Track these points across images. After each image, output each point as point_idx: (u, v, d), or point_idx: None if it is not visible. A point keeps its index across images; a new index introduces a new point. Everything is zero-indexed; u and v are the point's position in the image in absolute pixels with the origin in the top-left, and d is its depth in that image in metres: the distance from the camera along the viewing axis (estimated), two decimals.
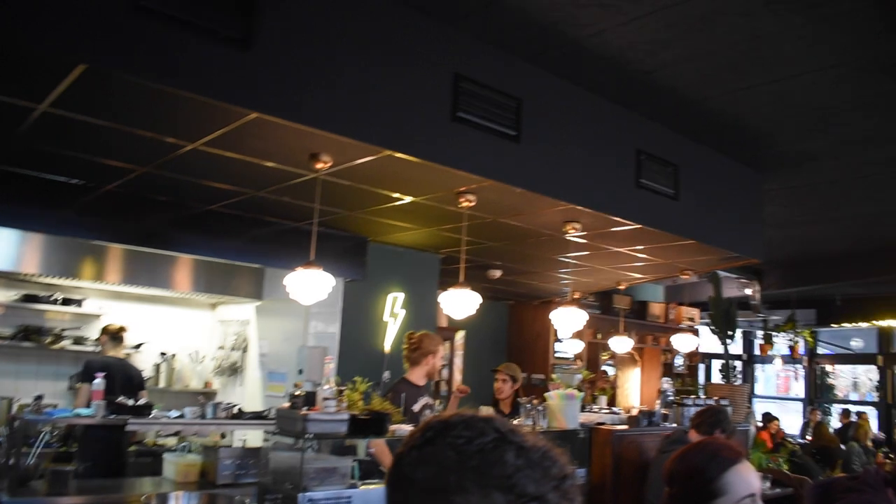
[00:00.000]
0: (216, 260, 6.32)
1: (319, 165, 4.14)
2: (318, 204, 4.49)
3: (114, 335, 6.24)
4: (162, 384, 7.56)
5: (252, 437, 6.00)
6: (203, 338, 7.96)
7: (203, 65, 3.27)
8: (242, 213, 5.60)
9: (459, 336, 9.46)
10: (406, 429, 4.15)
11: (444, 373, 9.20)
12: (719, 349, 8.46)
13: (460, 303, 4.87)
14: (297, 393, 3.91)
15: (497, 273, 7.77)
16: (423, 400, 5.00)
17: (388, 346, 6.63)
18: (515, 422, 5.06)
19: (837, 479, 2.81)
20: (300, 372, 4.53)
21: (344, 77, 3.74)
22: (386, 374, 6.26)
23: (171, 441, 6.47)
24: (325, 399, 3.79)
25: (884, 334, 14.52)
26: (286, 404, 3.97)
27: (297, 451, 3.72)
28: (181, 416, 5.37)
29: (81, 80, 3.18)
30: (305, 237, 4.54)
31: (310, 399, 3.79)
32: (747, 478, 1.94)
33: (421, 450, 1.06)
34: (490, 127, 4.30)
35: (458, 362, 9.66)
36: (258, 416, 5.74)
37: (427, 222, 5.85)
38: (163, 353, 7.66)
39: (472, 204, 4.84)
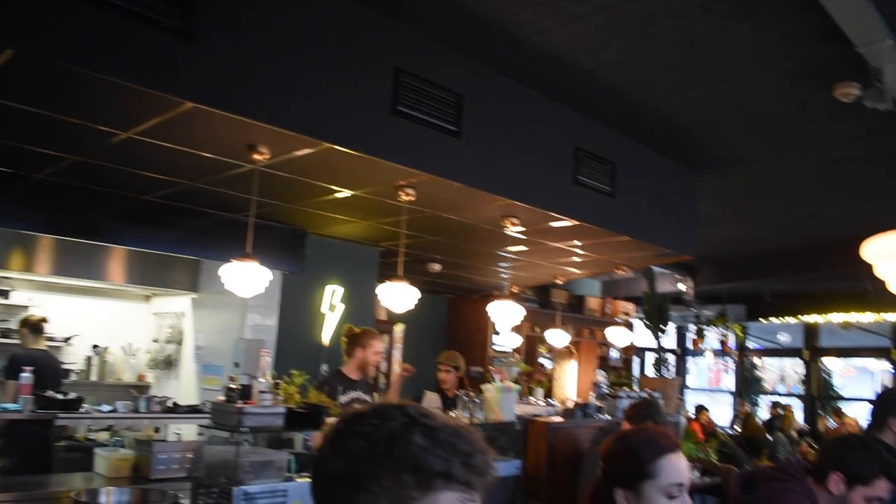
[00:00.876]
0: (151, 251, 6.18)
1: (257, 157, 4.09)
2: (256, 195, 4.45)
3: (34, 327, 6.05)
4: (94, 377, 7.39)
5: (187, 430, 5.91)
6: (137, 330, 7.80)
7: (140, 53, 3.20)
8: (178, 204, 5.50)
9: (399, 329, 9.47)
10: None
11: (383, 366, 9.19)
12: (654, 343, 8.66)
13: (398, 296, 4.88)
14: (232, 386, 3.86)
15: (437, 267, 7.80)
16: (353, 393, 5.00)
17: (326, 338, 6.60)
18: (452, 414, 5.12)
19: (761, 469, 2.92)
20: (236, 365, 4.48)
21: (283, 68, 3.71)
22: (324, 368, 6.24)
23: (103, 436, 6.32)
24: (261, 392, 3.75)
25: (809, 329, 15.02)
26: (221, 398, 3.92)
27: (233, 445, 3.68)
28: (113, 410, 5.25)
29: (9, 65, 3.09)
30: (242, 229, 4.49)
31: (246, 392, 3.75)
32: (679, 467, 2.00)
33: (334, 442, 1.09)
34: (431, 122, 4.31)
35: (397, 355, 9.67)
36: (193, 409, 5.67)
37: (366, 215, 5.84)
38: (95, 346, 7.48)
39: (412, 198, 4.85)
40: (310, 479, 1.12)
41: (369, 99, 4.08)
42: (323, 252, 6.67)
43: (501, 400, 5.20)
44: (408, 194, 4.80)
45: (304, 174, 4.63)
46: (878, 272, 2.18)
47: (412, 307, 5.01)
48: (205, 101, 3.42)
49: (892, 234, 2.13)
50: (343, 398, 4.87)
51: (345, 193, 5.07)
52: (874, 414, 3.82)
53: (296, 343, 6.39)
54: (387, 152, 4.17)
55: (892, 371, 14.01)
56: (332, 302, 6.72)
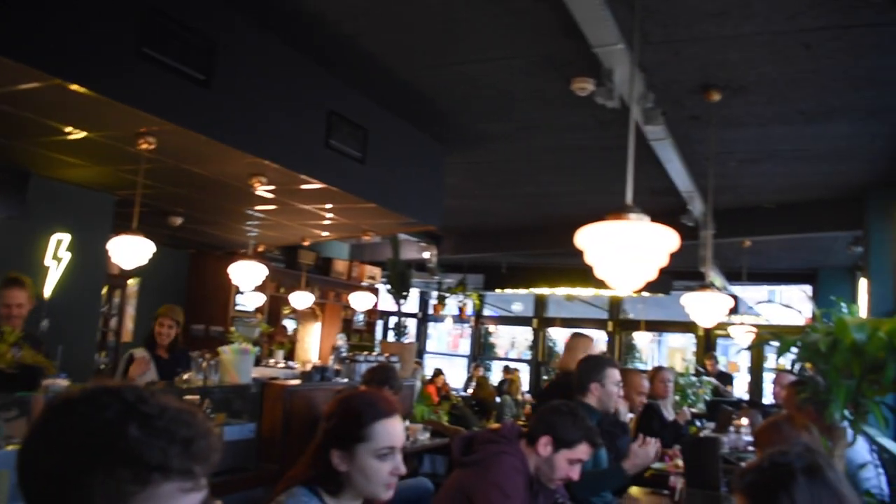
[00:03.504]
0: None
1: None
2: None
3: None
4: None
5: None
6: None
7: None
8: None
9: (132, 283, 8.94)
10: (61, 383, 3.85)
11: (113, 322, 8.64)
12: (396, 307, 8.90)
13: (130, 251, 4.58)
14: None
15: (178, 220, 7.43)
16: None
17: (48, 292, 6.06)
18: (186, 376, 4.92)
19: (479, 433, 3.11)
20: None
21: None
22: (44, 324, 5.74)
23: None
24: None
25: (539, 300, 16.26)
26: None
27: None
28: None
29: None
30: None
31: None
32: (392, 431, 2.08)
33: (42, 434, 1.01)
34: (178, 68, 4.03)
35: (131, 311, 9.14)
36: None
37: (101, 160, 5.41)
38: None
39: (153, 146, 4.56)
40: (17, 473, 1.01)
41: (111, 37, 3.73)
42: (49, 196, 6.09)
43: (238, 362, 5.08)
44: (148, 142, 4.50)
45: (30, 110, 4.18)
46: (587, 258, 2.39)
47: (145, 263, 4.73)
48: None
49: (600, 224, 2.33)
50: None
51: (78, 135, 4.64)
52: (578, 380, 4.20)
53: None
54: (126, 96, 3.85)
55: (607, 340, 15.55)
56: (57, 252, 6.16)
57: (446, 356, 18.74)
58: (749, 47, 4.25)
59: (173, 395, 1.09)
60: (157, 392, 1.07)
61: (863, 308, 6.71)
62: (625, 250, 2.30)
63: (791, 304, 14.77)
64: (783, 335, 3.41)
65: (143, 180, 5.20)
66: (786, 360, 3.69)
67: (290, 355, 9.89)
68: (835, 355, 2.99)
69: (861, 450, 3.72)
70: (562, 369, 5.03)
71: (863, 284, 7.16)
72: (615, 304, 15.61)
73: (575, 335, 5.16)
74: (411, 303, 17.02)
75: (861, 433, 3.62)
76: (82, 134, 4.64)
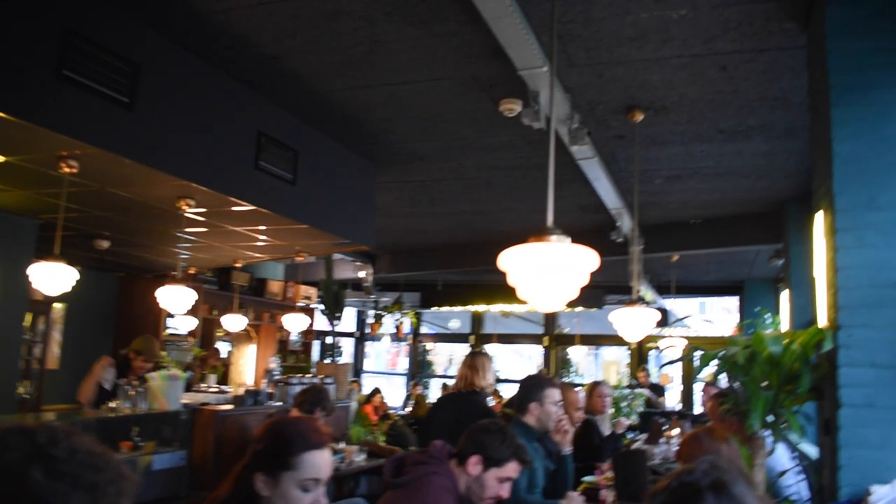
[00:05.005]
0: None
1: None
2: None
3: None
4: None
5: None
6: None
7: None
8: None
9: (58, 309, 8.69)
10: None
11: (37, 350, 8.36)
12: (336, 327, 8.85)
13: (53, 277, 4.46)
14: None
15: (104, 243, 7.27)
16: None
17: None
18: (113, 404, 4.80)
19: (409, 454, 3.11)
20: None
21: None
22: None
23: None
24: None
25: (476, 317, 16.33)
26: None
27: None
28: None
29: None
30: None
31: None
32: (319, 464, 2.07)
33: None
34: (101, 91, 3.97)
35: (57, 336, 8.88)
36: None
37: (22, 184, 5.28)
38: None
39: (75, 170, 4.46)
40: None
41: (28, 59, 3.66)
42: None
43: (167, 388, 4.99)
44: (70, 166, 4.41)
45: None
46: (510, 280, 2.43)
47: (69, 289, 4.61)
48: None
49: (521, 246, 2.37)
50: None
51: None
52: (519, 399, 4.23)
53: None
54: (46, 119, 3.78)
55: (544, 354, 15.69)
56: None
57: (385, 375, 18.64)
58: (669, 69, 4.39)
59: (92, 438, 1.07)
60: (76, 433, 1.05)
61: (785, 319, 6.94)
62: (546, 271, 2.35)
63: (720, 316, 15.17)
64: (705, 348, 3.51)
65: (67, 204, 5.08)
66: (709, 372, 3.80)
67: (223, 379, 9.73)
68: (753, 367, 3.10)
69: (781, 457, 3.84)
70: (461, 388, 4.97)
71: (785, 296, 7.40)
72: (550, 319, 15.77)
73: (474, 353, 5.13)
74: (348, 322, 16.92)
75: (782, 441, 3.75)
76: (1, 158, 4.51)
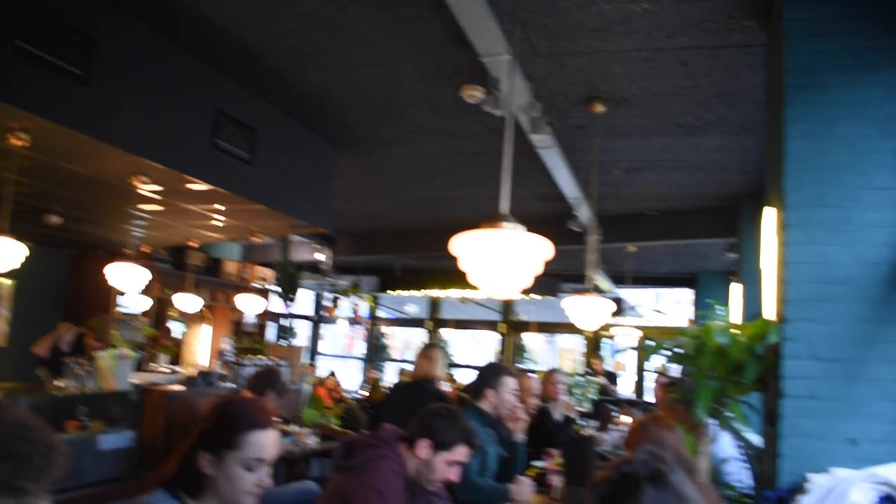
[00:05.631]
0: None
1: None
2: None
3: None
4: None
5: None
6: None
7: None
8: None
9: (6, 285, 8.51)
10: None
11: None
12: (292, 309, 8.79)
13: (0, 253, 4.36)
14: None
15: (56, 219, 7.13)
16: None
17: None
18: (60, 382, 4.74)
19: (359, 437, 3.12)
20: None
21: None
22: None
23: None
24: None
25: (433, 302, 16.37)
26: None
27: None
28: None
29: None
30: None
31: None
32: (264, 444, 2.08)
33: None
34: (54, 62, 3.87)
35: (5, 313, 8.70)
36: None
37: None
38: None
39: (26, 143, 4.36)
40: None
41: None
42: None
43: (115, 367, 4.92)
44: (20, 139, 4.30)
45: None
46: (462, 265, 2.44)
47: (17, 265, 4.51)
48: None
49: (473, 232, 2.39)
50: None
51: None
52: (476, 385, 4.31)
53: None
54: None
55: (500, 341, 15.80)
56: None
57: (341, 358, 18.58)
58: (630, 62, 4.42)
59: (23, 409, 1.06)
60: (6, 406, 1.04)
61: (737, 311, 7.07)
62: (498, 258, 2.36)
63: (672, 307, 15.41)
64: (658, 338, 3.58)
65: (17, 177, 4.96)
66: (660, 362, 3.87)
67: (176, 359, 9.63)
68: (701, 358, 3.16)
69: (725, 445, 3.93)
70: (417, 377, 5.19)
71: (736, 289, 7.53)
72: (507, 306, 15.87)
73: (430, 346, 5.43)
74: (305, 305, 16.83)
75: (727, 429, 3.84)
76: None
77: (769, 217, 3.39)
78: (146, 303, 9.56)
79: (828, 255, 2.98)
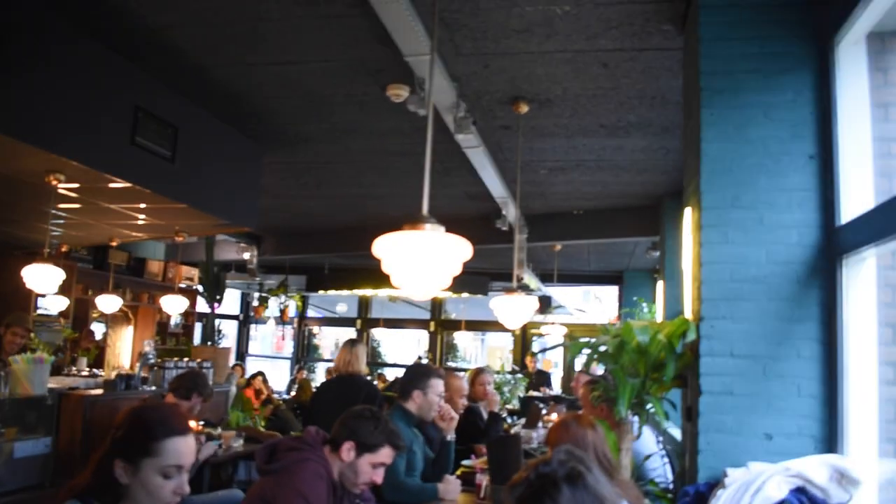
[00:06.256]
0: None
1: None
2: None
3: None
4: None
5: None
6: None
7: None
8: None
9: None
10: None
11: None
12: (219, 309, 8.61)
13: None
14: None
15: None
16: None
17: None
18: None
19: (282, 440, 3.08)
20: None
21: None
22: None
23: None
24: None
25: (363, 301, 16.29)
26: None
27: None
28: None
29: None
30: None
31: None
32: (182, 450, 2.03)
33: None
34: None
35: None
36: None
37: None
38: None
39: None
40: None
41: None
42: None
43: (31, 372, 4.73)
44: None
45: None
46: (384, 266, 2.44)
47: None
48: None
49: (395, 234, 2.38)
50: None
51: None
52: (403, 384, 4.31)
53: None
54: None
55: (429, 339, 15.83)
56: None
57: (270, 359, 18.35)
58: (553, 63, 4.47)
59: None
60: None
61: (660, 309, 7.23)
62: (418, 259, 2.36)
63: (595, 305, 15.68)
64: (583, 336, 3.63)
65: None
66: (583, 359, 3.93)
67: (98, 362, 9.34)
68: (622, 356, 3.22)
69: (648, 442, 4.01)
70: (341, 372, 5.31)
71: (660, 287, 7.70)
72: (437, 305, 15.91)
73: (352, 341, 5.50)
74: (232, 305, 16.55)
75: (649, 426, 3.92)
76: None
77: (687, 217, 3.47)
78: (65, 304, 9.24)
79: (742, 255, 3.06)
